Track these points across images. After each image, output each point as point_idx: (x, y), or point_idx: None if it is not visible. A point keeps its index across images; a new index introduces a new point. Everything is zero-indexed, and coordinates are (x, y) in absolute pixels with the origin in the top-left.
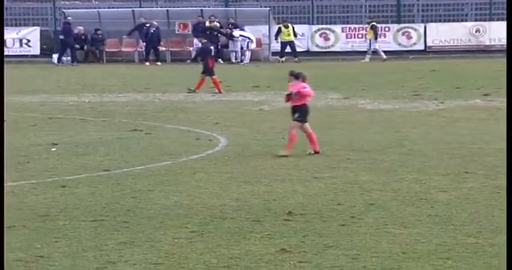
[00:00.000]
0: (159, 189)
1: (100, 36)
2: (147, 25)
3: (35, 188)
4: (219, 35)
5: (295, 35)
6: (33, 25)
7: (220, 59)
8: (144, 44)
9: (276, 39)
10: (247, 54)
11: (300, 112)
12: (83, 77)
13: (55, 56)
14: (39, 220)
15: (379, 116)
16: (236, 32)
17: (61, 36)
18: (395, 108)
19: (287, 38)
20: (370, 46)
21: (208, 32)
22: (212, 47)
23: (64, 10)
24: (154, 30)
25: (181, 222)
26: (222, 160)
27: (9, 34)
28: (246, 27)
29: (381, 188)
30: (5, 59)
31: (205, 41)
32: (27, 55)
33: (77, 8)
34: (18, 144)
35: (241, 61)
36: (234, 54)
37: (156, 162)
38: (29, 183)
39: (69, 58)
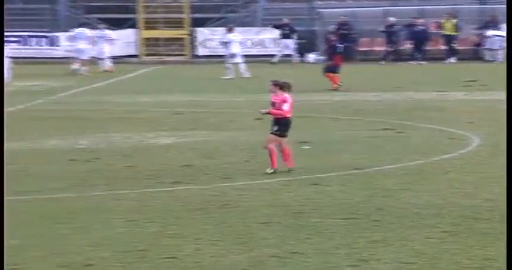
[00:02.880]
0: (410, 188)
1: (353, 35)
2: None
3: (289, 186)
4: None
5: None
6: None
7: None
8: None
9: None
10: (501, 52)
11: (280, 125)
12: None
13: (309, 56)
14: (292, 217)
15: None
16: (490, 32)
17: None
18: None
19: None
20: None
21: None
22: (340, 45)
23: (319, 10)
24: (421, 29)
25: (433, 222)
26: (475, 160)
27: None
28: (503, 26)
29: None
30: (262, 58)
31: (334, 38)
32: (283, 54)
33: (332, 8)
34: None
35: (495, 60)
36: (490, 52)
37: (407, 162)
38: (282, 181)
39: (319, 57)
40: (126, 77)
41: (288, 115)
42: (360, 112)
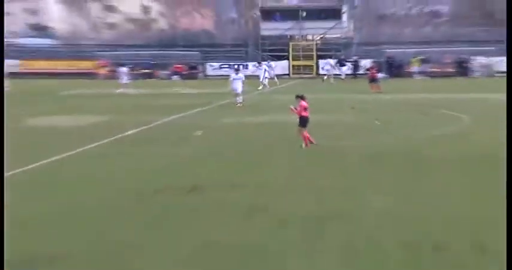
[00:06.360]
0: None
1: None
2: None
3: None
4: None
5: None
6: None
7: None
8: None
9: None
10: None
11: (300, 121)
12: None
13: None
14: None
15: None
16: None
17: None
18: None
19: None
20: None
21: None
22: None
23: None
24: None
25: None
26: None
27: None
28: None
29: None
30: None
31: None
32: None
33: None
34: None
35: None
36: None
37: None
38: None
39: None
40: (283, 85)
41: (303, 114)
42: None
